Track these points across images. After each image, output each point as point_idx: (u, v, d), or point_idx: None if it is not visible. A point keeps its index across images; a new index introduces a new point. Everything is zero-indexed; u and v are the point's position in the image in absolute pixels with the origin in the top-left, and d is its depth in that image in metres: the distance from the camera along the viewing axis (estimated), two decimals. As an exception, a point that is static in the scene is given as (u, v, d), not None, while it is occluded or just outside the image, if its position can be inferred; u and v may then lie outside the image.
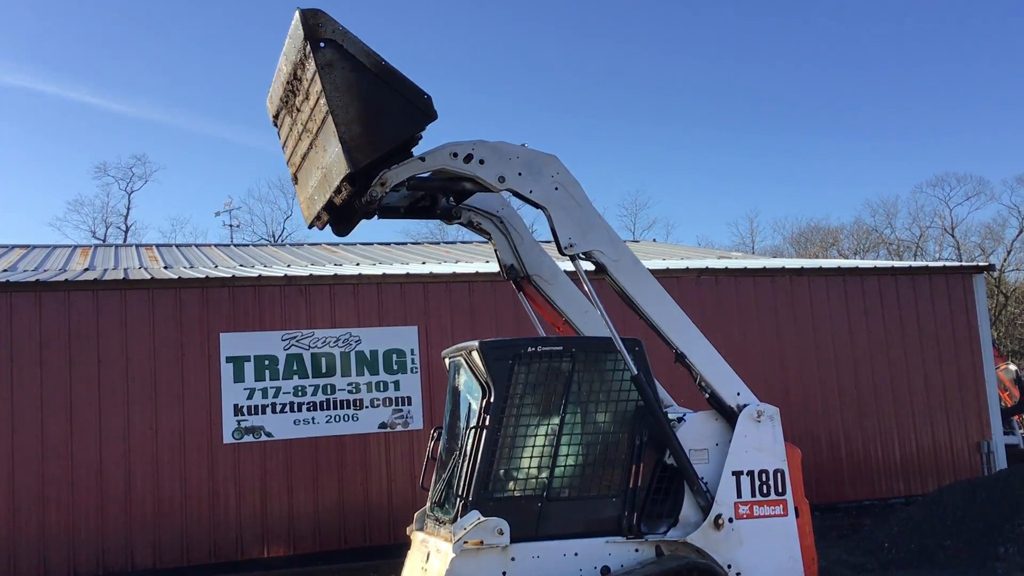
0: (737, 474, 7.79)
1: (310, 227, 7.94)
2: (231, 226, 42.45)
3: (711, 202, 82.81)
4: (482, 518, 7.27)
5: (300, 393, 13.24)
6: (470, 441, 7.97)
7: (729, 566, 7.61)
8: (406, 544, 8.47)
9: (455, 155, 7.39)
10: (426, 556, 7.79)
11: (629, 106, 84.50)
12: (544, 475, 7.63)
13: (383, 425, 13.50)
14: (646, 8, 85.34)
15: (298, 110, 7.40)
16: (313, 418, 13.22)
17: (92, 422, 12.33)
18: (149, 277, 13.21)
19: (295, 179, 8.03)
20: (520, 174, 7.57)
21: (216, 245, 21.76)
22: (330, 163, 7.14)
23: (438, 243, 28.04)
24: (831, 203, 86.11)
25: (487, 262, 16.22)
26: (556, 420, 7.79)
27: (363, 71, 7.00)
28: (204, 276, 13.42)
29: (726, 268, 15.68)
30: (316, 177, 7.43)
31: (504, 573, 7.31)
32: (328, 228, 7.82)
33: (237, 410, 12.92)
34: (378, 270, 14.58)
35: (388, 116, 7.06)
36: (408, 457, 13.45)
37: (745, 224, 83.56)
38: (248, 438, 12.86)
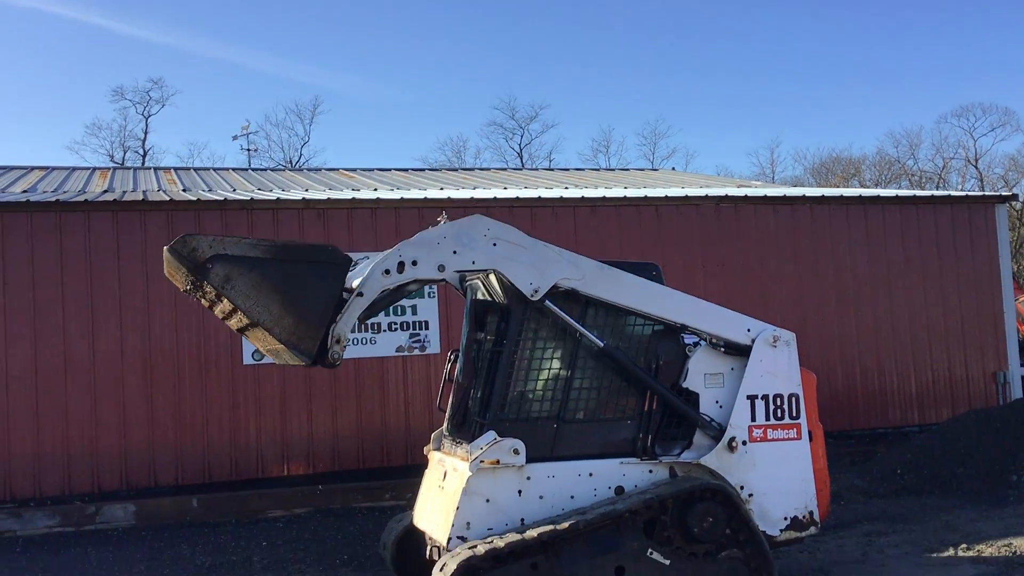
0: (752, 398, 7.90)
1: None
2: (248, 151, 42.43)
3: (731, 132, 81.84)
4: (498, 438, 7.40)
5: (318, 316, 13.31)
6: (486, 363, 8.05)
7: (742, 487, 7.75)
8: (423, 465, 8.61)
9: (387, 271, 7.35)
10: (443, 475, 7.91)
11: (648, 34, 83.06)
12: (559, 397, 7.74)
13: (400, 349, 13.61)
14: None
15: (216, 302, 7.06)
16: (331, 341, 13.31)
17: (114, 342, 12.49)
18: (168, 199, 13.24)
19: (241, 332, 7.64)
20: (455, 252, 7.50)
21: (234, 169, 21.74)
22: (280, 348, 7.02)
23: (456, 169, 27.92)
24: (853, 133, 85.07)
25: (504, 188, 16.15)
26: (572, 343, 7.87)
27: (261, 264, 6.85)
28: (223, 199, 13.43)
29: (746, 196, 15.57)
30: (269, 343, 7.21)
31: (520, 492, 7.46)
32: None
33: (256, 332, 13.03)
34: (396, 195, 14.55)
35: (309, 290, 6.96)
36: (425, 381, 13.58)
37: (766, 154, 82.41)
38: (267, 359, 13.00)
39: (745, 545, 7.50)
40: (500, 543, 6.98)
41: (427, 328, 13.75)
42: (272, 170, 22.82)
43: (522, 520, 7.39)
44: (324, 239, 13.37)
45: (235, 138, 73.50)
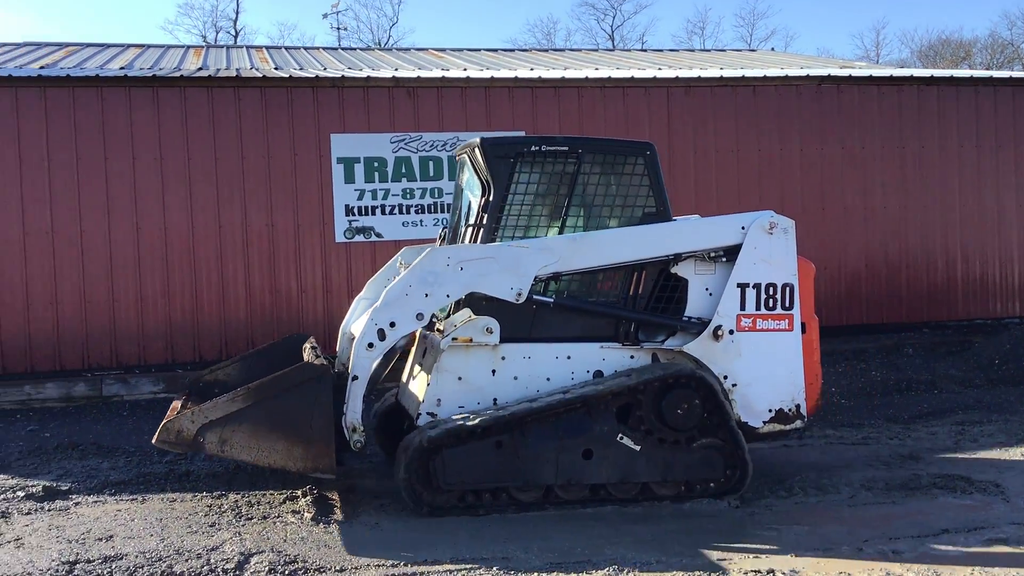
0: (743, 286, 7.63)
1: None
2: (339, 29, 42.26)
3: (834, 12, 78.05)
4: (473, 316, 7.35)
5: (408, 196, 13.41)
6: (467, 240, 7.97)
7: (726, 377, 7.57)
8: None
9: (371, 345, 7.25)
10: (423, 351, 7.93)
11: (752, -94, 78.89)
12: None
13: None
14: None
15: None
16: (421, 220, 13.43)
17: (211, 218, 12.79)
18: (261, 76, 13.30)
19: None
20: (427, 295, 7.30)
21: (324, 48, 21.63)
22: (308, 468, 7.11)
23: (546, 50, 27.35)
24: (965, 14, 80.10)
25: (596, 68, 15.78)
26: (557, 222, 7.71)
27: (248, 413, 6.86)
28: (314, 76, 13.43)
29: (849, 76, 14.91)
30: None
31: (494, 372, 7.45)
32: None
33: (348, 211, 13.21)
34: (486, 74, 14.35)
35: (302, 415, 6.93)
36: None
37: (870, 36, 78.63)
38: (359, 238, 13.19)
39: (721, 435, 7.37)
40: (463, 421, 7.04)
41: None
42: (362, 50, 22.62)
43: (495, 400, 7.41)
44: (413, 118, 13.36)
45: (325, 16, 73.44)
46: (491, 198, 7.63)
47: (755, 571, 5.88)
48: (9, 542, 6.65)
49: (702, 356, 7.56)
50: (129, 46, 18.54)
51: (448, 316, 7.59)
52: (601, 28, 56.19)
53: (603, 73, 14.77)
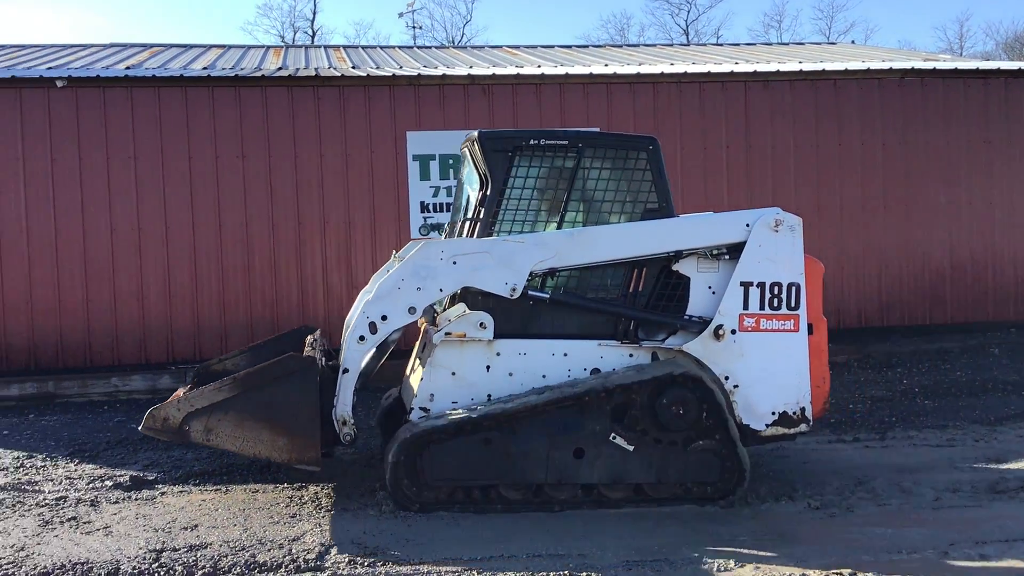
0: (746, 285, 7.41)
1: None
2: (414, 28, 42.62)
3: (916, 4, 76.08)
4: (467, 310, 7.26)
5: (483, 192, 13.46)
6: (464, 234, 7.88)
7: (727, 378, 7.37)
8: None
9: (362, 338, 7.25)
10: (423, 345, 7.90)
11: None
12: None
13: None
14: None
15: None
16: (496, 217, 13.46)
17: (291, 215, 13.02)
18: (339, 75, 13.50)
19: None
20: (419, 289, 7.24)
21: (400, 47, 21.83)
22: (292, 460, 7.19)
23: (620, 46, 27.20)
24: (1055, 4, 77.37)
25: (671, 64, 15.63)
26: (556, 218, 7.58)
27: (233, 402, 6.93)
28: (391, 75, 13.58)
29: (933, 69, 14.53)
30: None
31: (488, 368, 7.35)
32: None
33: (423, 207, 13.33)
34: (560, 71, 14.33)
35: (287, 406, 6.98)
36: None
37: (953, 28, 76.59)
38: (434, 234, 13.29)
39: (718, 437, 7.19)
40: (450, 416, 6.99)
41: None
42: (436, 48, 22.79)
43: (489, 396, 7.31)
44: (488, 115, 13.41)
45: (401, 15, 74.05)
46: (488, 192, 7.55)
47: (838, 574, 5.78)
48: (98, 530, 6.86)
49: (702, 356, 7.38)
50: (211, 47, 18.95)
51: (445, 310, 7.55)
52: (675, 23, 55.83)
53: (679, 68, 14.62)
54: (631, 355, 7.47)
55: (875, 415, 10.51)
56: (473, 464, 7.05)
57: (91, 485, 8.11)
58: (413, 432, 7.01)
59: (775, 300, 7.41)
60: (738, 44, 23.10)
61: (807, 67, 14.62)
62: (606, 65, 15.56)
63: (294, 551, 6.26)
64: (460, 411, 7.12)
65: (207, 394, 7.00)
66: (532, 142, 7.49)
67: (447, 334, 7.26)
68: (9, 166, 12.54)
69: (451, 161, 13.31)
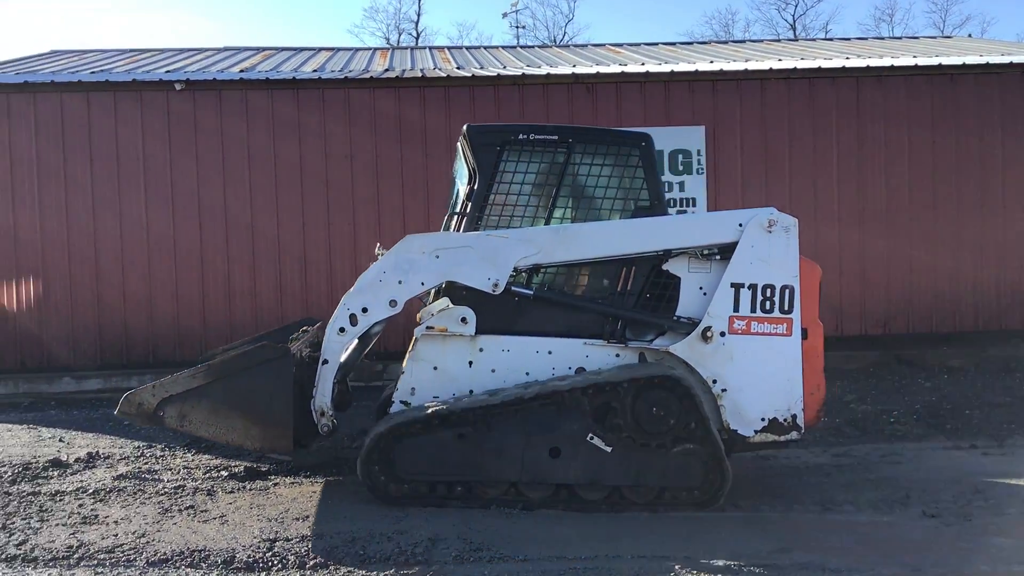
0: (737, 286, 7.16)
1: None
2: (517, 27, 42.86)
3: (1038, -7, 72.73)
4: (449, 305, 7.20)
5: (587, 191, 13.44)
6: (452, 228, 7.79)
7: (715, 381, 7.14)
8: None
9: (342, 330, 7.24)
10: (414, 340, 7.81)
11: None
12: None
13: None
14: None
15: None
16: (599, 216, 13.44)
17: (396, 215, 13.25)
18: (445, 76, 13.67)
19: None
20: (401, 282, 7.19)
21: (503, 47, 21.96)
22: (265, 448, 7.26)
23: (725, 42, 26.80)
24: None
25: (779, 60, 15.34)
26: (544, 214, 7.46)
27: (208, 390, 6.92)
28: (495, 75, 13.69)
29: (1058, 62, 13.92)
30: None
31: (471, 363, 7.29)
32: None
33: (527, 206, 13.38)
34: (665, 68, 14.20)
35: (261, 394, 6.96)
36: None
37: (1078, 18, 72.77)
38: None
39: (700, 441, 6.94)
40: (426, 410, 6.92)
41: (694, 205, 13.49)
42: (539, 47, 22.84)
43: (471, 392, 7.23)
44: (592, 113, 13.39)
45: (504, 15, 74.41)
46: (476, 186, 7.51)
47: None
48: (215, 518, 7.11)
49: (689, 358, 7.19)
50: (320, 49, 19.38)
51: (428, 304, 7.52)
52: (782, 18, 54.64)
53: (787, 64, 14.35)
54: (617, 355, 7.36)
55: (993, 421, 10.13)
56: (446, 459, 7.05)
57: (207, 475, 8.40)
58: (388, 425, 7.06)
59: (767, 303, 7.22)
60: (848, 39, 22.49)
61: (923, 62, 14.19)
62: (711, 62, 15.35)
63: (402, 544, 6.36)
64: (436, 405, 7.10)
65: (182, 380, 7.09)
66: (521, 136, 7.49)
67: (429, 328, 7.30)
68: (131, 165, 13.09)
69: (555, 160, 13.34)
